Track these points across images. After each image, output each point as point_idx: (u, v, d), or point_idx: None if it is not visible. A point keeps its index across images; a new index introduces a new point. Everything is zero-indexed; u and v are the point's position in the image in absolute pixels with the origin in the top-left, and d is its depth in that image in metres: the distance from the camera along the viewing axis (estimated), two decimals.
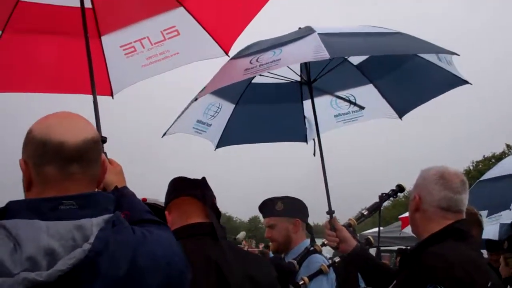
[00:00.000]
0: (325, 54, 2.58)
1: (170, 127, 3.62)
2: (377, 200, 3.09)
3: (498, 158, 29.00)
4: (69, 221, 1.21)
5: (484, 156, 36.20)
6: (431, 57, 3.53)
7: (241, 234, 6.57)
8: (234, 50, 3.42)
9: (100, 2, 3.22)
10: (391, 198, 3.10)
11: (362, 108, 4.33)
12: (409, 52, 3.36)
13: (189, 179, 2.18)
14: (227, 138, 4.34)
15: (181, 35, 3.37)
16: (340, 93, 4.29)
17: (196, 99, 3.03)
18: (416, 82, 3.96)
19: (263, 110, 4.35)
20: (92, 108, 2.71)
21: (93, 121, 2.61)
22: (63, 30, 3.26)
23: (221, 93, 3.86)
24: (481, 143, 56.74)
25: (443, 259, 2.09)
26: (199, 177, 2.20)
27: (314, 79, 3.76)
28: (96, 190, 1.44)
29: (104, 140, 2.43)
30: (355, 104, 4.32)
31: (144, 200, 2.07)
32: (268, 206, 3.20)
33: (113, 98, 3.62)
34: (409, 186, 3.04)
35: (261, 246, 15.43)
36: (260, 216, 3.28)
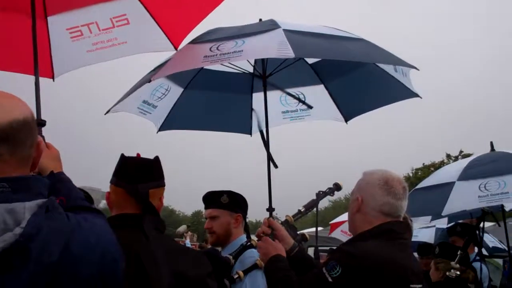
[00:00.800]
0: (289, 53, 2.52)
1: (114, 105, 3.43)
2: (314, 197, 3.09)
3: (438, 167, 30.13)
4: (1, 204, 1.17)
5: (423, 164, 37.35)
6: (387, 66, 3.56)
7: (182, 228, 6.51)
8: (184, 43, 3.37)
9: None
10: (332, 199, 3.12)
11: (310, 107, 4.32)
12: (370, 60, 3.39)
13: (133, 163, 2.09)
14: (171, 122, 4.20)
15: (131, 24, 3.31)
16: (290, 90, 4.26)
17: (149, 80, 2.88)
18: (367, 89, 4.00)
19: (211, 98, 4.25)
20: (33, 89, 2.61)
21: (33, 102, 2.51)
22: (8, 6, 3.13)
23: (172, 75, 3.72)
24: (423, 150, 59.14)
25: (360, 249, 2.19)
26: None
27: (270, 74, 3.69)
28: (30, 173, 1.37)
29: (42, 123, 2.33)
30: (304, 102, 4.32)
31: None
32: (213, 198, 3.16)
33: (53, 80, 3.51)
34: (346, 187, 3.10)
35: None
36: (204, 210, 3.23)
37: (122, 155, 2.11)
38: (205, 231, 3.25)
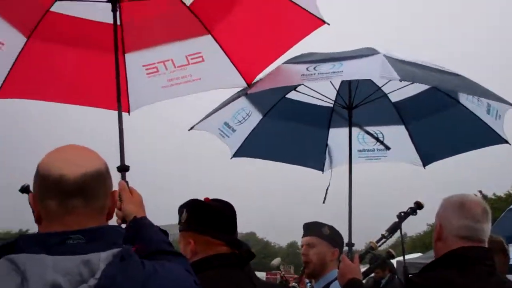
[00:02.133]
0: (394, 76, 2.49)
1: (199, 122, 3.50)
2: (396, 220, 3.00)
3: None
4: (77, 255, 1.21)
5: None
6: (478, 109, 3.44)
7: (276, 260, 6.40)
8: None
9: (129, 20, 3.20)
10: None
11: (388, 148, 4.22)
12: (473, 93, 3.26)
13: (226, 214, 2.04)
14: (246, 149, 4.16)
15: (205, 61, 3.36)
16: (369, 128, 4.18)
17: (246, 94, 2.91)
18: (451, 133, 3.89)
19: (288, 128, 4.20)
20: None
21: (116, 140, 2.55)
22: (90, 44, 3.26)
23: (254, 99, 3.75)
24: None
25: (423, 279, 2.16)
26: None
27: (356, 106, 3.64)
28: (106, 223, 1.42)
29: (126, 168, 2.38)
30: (382, 142, 4.21)
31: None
32: (314, 227, 3.22)
33: (129, 114, 3.57)
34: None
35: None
36: (299, 241, 3.28)
37: (203, 203, 2.05)
38: (301, 264, 3.24)
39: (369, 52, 2.92)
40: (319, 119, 4.21)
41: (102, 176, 1.35)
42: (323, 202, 3.62)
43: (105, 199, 1.36)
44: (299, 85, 3.62)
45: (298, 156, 4.45)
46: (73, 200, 1.28)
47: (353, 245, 3.26)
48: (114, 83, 2.74)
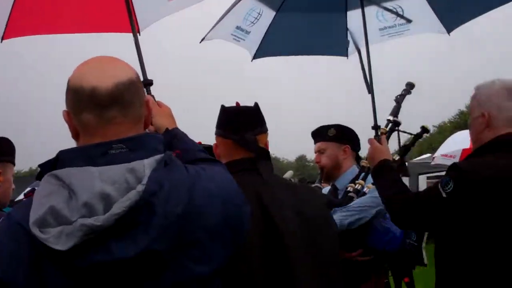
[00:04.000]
0: None
1: (209, 32, 3.49)
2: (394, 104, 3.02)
3: None
4: (121, 164, 1.20)
5: None
6: None
7: (288, 173, 6.41)
8: None
9: None
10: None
11: (409, 21, 4.10)
12: None
13: (235, 113, 2.05)
14: (266, 49, 4.16)
15: None
16: (387, 4, 4.06)
17: None
18: None
19: (304, 20, 4.14)
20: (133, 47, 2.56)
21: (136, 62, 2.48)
22: None
23: None
24: None
25: (472, 164, 2.11)
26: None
27: None
28: (144, 131, 1.40)
29: (150, 82, 2.34)
30: (402, 17, 4.10)
31: (199, 143, 2.02)
32: (320, 131, 3.19)
33: (140, 35, 3.41)
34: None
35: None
36: (308, 154, 3.30)
37: (223, 107, 2.08)
38: (313, 173, 3.26)
39: None
40: (335, 3, 4.11)
41: (135, 85, 1.32)
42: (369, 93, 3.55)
43: (140, 108, 1.34)
44: None
45: (320, 45, 4.40)
46: (110, 111, 1.26)
47: (379, 127, 3.23)
48: (120, 4, 2.71)
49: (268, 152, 2.05)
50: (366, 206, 2.84)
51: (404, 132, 2.98)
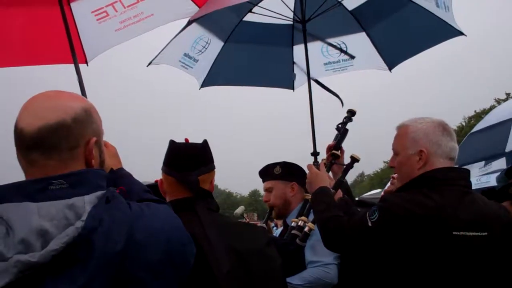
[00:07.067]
0: None
1: (156, 57, 3.48)
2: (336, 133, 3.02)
3: (487, 112, 29.40)
4: (61, 200, 1.17)
5: (475, 111, 36.94)
6: (428, 4, 3.45)
7: (239, 209, 6.42)
8: None
9: None
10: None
11: (352, 57, 4.26)
12: None
13: (182, 151, 2.01)
14: (214, 78, 4.22)
15: None
16: (331, 40, 4.21)
17: (189, 22, 2.89)
18: (408, 32, 3.91)
19: (252, 52, 4.25)
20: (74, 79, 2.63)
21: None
22: (32, 1, 3.14)
23: (211, 27, 3.75)
24: (472, 98, 56.74)
25: (397, 198, 2.13)
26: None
27: (309, 18, 3.67)
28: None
29: None
30: (346, 52, 4.25)
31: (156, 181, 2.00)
32: (267, 170, 3.18)
33: (87, 65, 3.50)
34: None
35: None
36: (261, 189, 3.26)
37: (171, 142, 2.05)
38: (265, 210, 3.22)
39: None
40: (281, 38, 4.24)
41: (65, 127, 1.27)
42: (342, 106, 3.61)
43: (72, 150, 1.29)
44: (246, 2, 3.54)
45: (267, 77, 4.51)
46: (31, 154, 1.25)
47: (318, 154, 3.32)
48: (64, 37, 2.72)
49: (210, 193, 2.03)
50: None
51: (338, 164, 2.99)
